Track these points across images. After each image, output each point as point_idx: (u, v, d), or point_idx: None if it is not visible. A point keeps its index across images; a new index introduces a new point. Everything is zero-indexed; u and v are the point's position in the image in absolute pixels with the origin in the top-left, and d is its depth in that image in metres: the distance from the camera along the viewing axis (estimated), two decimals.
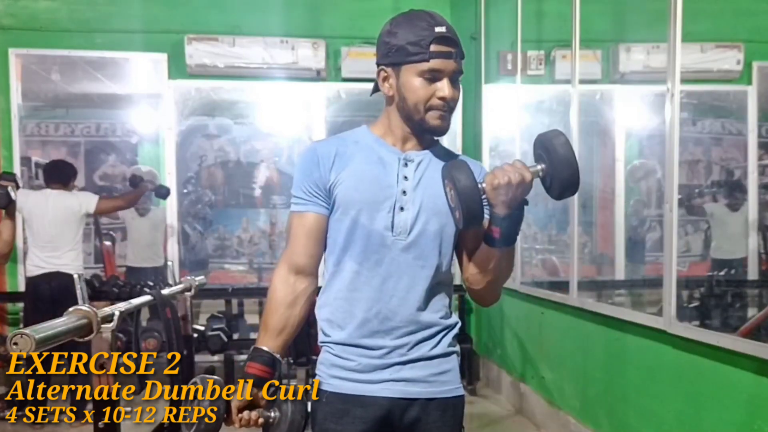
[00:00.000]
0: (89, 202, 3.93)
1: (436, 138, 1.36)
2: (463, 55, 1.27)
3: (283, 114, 5.26)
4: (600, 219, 4.43)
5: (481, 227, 1.25)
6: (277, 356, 1.31)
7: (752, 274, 4.06)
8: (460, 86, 1.30)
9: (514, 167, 1.15)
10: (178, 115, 4.83)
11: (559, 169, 1.14)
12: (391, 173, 1.29)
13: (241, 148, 5.79)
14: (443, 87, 1.24)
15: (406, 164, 1.30)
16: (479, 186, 1.15)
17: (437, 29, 1.23)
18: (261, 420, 1.28)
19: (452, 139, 4.88)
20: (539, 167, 1.17)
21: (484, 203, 1.16)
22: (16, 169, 4.66)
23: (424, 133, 1.31)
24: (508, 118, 4.28)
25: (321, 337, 1.34)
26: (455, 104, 1.28)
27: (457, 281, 1.41)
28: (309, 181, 1.30)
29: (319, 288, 1.38)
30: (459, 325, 1.36)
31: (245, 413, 1.28)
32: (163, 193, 4.51)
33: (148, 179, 4.64)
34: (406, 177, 1.29)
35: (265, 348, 1.30)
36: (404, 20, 1.26)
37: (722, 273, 4.10)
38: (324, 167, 1.29)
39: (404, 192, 1.28)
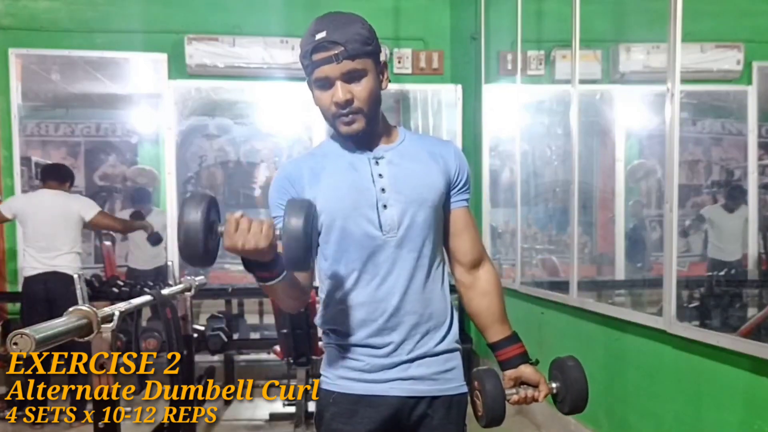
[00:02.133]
0: (88, 209, 3.92)
1: (396, 126, 1.38)
2: (354, 53, 1.21)
3: (283, 114, 5.26)
4: (600, 219, 4.43)
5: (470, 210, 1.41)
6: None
7: (752, 274, 4.06)
8: (370, 82, 1.24)
9: (536, 397, 1.37)
10: (178, 115, 4.83)
11: (574, 397, 1.36)
12: (365, 175, 1.29)
13: (241, 148, 5.79)
14: (335, 92, 1.23)
15: (377, 162, 1.30)
16: (505, 401, 1.31)
17: (317, 36, 1.21)
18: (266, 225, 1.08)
19: (452, 139, 4.88)
20: (554, 386, 1.38)
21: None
22: (16, 169, 4.67)
23: (344, 140, 1.32)
24: (508, 118, 4.27)
25: (325, 339, 1.35)
26: (362, 104, 1.24)
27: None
28: (285, 201, 1.28)
29: (317, 288, 1.38)
30: (456, 315, 1.38)
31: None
32: (153, 240, 4.61)
33: (149, 223, 4.65)
34: (380, 175, 1.29)
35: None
36: (304, 35, 1.26)
37: (722, 273, 4.10)
38: (298, 187, 1.29)
39: (383, 190, 1.28)
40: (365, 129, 1.27)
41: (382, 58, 1.30)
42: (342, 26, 1.21)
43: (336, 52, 1.20)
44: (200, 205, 1.04)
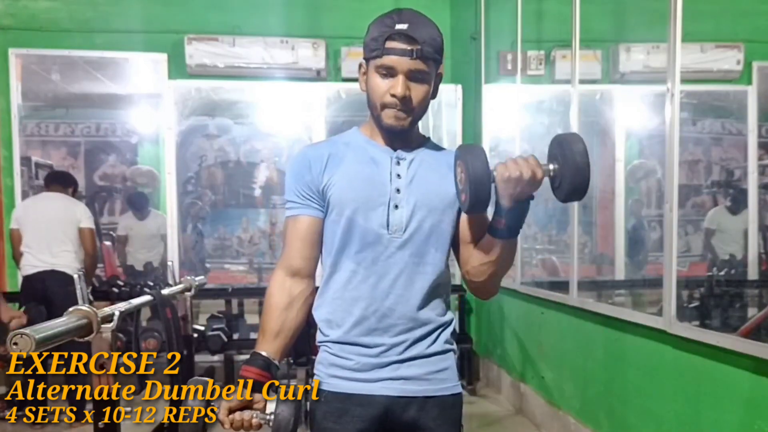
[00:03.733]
0: (87, 218, 3.95)
1: (427, 136, 1.39)
2: (427, 55, 1.23)
3: (283, 114, 5.26)
4: (600, 219, 4.43)
5: (485, 214, 1.25)
6: (274, 360, 1.29)
7: (752, 274, 4.06)
8: (428, 87, 1.28)
9: (528, 163, 1.13)
10: (178, 115, 4.83)
11: (571, 174, 1.13)
12: (383, 172, 1.30)
13: (241, 148, 5.79)
14: (396, 85, 1.24)
15: (398, 162, 1.31)
16: (491, 174, 1.14)
17: (398, 26, 1.23)
18: (255, 421, 1.24)
19: (452, 139, 4.88)
20: (551, 167, 1.16)
21: (492, 192, 1.16)
22: (16, 169, 4.67)
23: (383, 131, 1.32)
24: (508, 118, 4.28)
25: (319, 337, 1.34)
26: (416, 104, 1.27)
27: (457, 281, 1.41)
28: (301, 184, 1.31)
29: (317, 288, 1.38)
30: (453, 321, 1.37)
31: (237, 414, 1.24)
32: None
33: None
34: (399, 175, 1.30)
35: (261, 352, 1.29)
36: (378, 18, 1.28)
37: (722, 273, 4.09)
38: (316, 170, 1.30)
39: (398, 190, 1.29)
40: (406, 129, 1.29)
41: (440, 70, 1.32)
42: (423, 26, 1.24)
43: (413, 48, 1.22)
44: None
